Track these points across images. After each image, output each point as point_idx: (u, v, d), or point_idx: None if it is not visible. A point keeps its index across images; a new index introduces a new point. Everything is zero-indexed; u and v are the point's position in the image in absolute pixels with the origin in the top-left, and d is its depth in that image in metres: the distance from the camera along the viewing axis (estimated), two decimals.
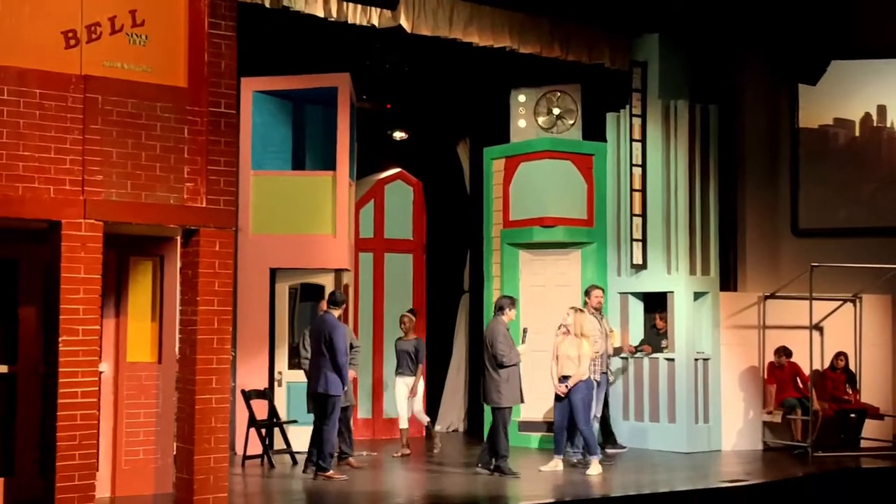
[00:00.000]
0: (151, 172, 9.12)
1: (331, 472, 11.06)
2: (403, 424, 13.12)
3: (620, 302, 13.85)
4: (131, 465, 9.84)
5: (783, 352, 13.46)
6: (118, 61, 9.09)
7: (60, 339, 8.63)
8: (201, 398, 9.22)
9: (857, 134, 15.00)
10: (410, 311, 13.53)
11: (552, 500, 10.25)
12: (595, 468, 11.50)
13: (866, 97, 14.91)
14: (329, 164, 13.30)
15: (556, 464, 11.75)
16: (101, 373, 9.33)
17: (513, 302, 11.85)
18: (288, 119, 13.93)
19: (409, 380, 13.02)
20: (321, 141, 13.93)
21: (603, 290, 12.95)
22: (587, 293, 12.82)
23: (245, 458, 12.03)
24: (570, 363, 11.62)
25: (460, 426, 15.72)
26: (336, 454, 11.41)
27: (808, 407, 13.06)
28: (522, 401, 11.67)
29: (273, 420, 12.34)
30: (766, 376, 13.65)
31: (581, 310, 12.03)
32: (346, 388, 11.20)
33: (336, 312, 11.27)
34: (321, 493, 10.49)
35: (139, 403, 9.92)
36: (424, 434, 14.10)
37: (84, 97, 8.86)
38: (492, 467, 11.39)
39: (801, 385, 13.47)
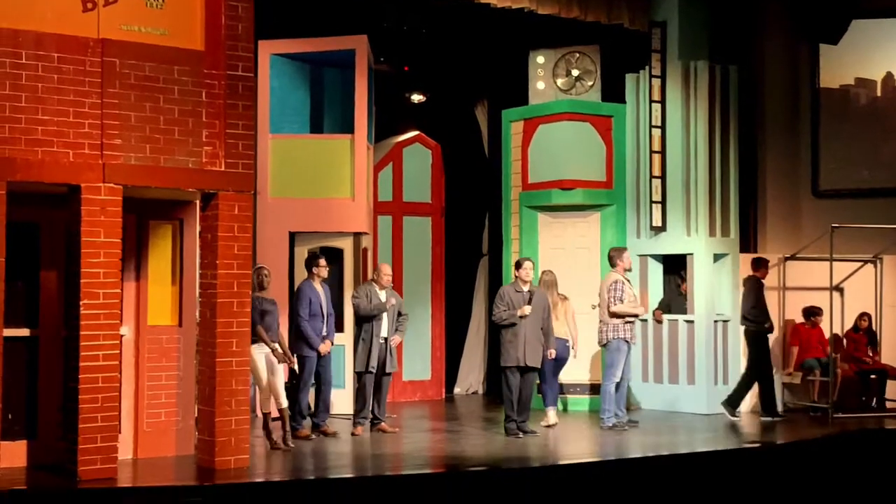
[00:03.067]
0: (170, 136, 9.15)
1: (300, 430, 11.31)
2: (268, 408, 10.78)
3: (640, 264, 13.81)
4: (153, 427, 9.91)
5: (816, 312, 13.37)
6: (135, 24, 9.09)
7: (82, 302, 8.70)
8: (222, 361, 9.29)
9: (879, 94, 14.88)
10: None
11: (573, 462, 10.30)
12: (549, 418, 12.10)
13: (888, 56, 14.77)
14: (347, 127, 13.28)
15: (552, 416, 12.18)
16: (122, 336, 9.39)
17: (521, 262, 11.82)
18: (306, 82, 13.90)
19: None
20: (339, 104, 13.90)
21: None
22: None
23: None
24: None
25: (479, 388, 15.76)
26: (309, 414, 11.62)
27: (830, 368, 13.02)
28: (524, 363, 11.49)
29: (293, 382, 12.38)
30: (789, 338, 13.60)
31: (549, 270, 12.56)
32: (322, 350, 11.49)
33: (313, 277, 11.64)
34: (341, 454, 10.55)
35: (160, 366, 9.97)
36: (271, 422, 10.78)
37: (102, 61, 8.87)
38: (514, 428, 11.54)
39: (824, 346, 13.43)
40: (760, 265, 13.15)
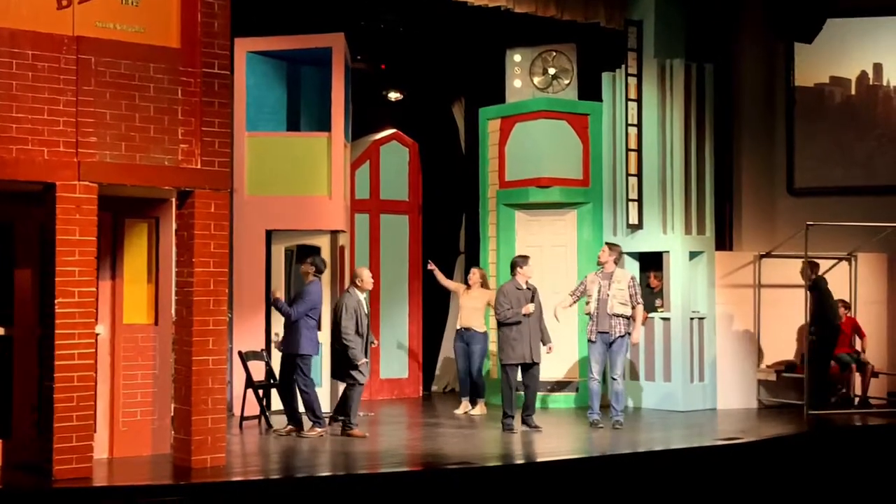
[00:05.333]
0: (145, 134, 9.11)
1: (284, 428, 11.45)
2: None
3: None
4: (129, 426, 9.86)
5: (841, 304, 13.46)
6: (110, 22, 9.06)
7: (57, 301, 8.65)
8: (198, 360, 9.26)
9: (853, 92, 14.98)
10: None
11: (546, 459, 10.31)
12: (479, 409, 13.09)
13: (862, 55, 14.88)
14: (324, 125, 13.26)
15: (465, 405, 13.19)
16: (97, 335, 9.35)
17: (524, 260, 11.96)
18: (282, 80, 13.87)
19: None
20: (316, 102, 13.88)
21: (611, 247, 12.24)
22: None
23: (242, 418, 12.08)
24: (470, 314, 13.20)
25: (456, 386, 15.74)
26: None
27: (863, 363, 13.36)
28: (530, 359, 11.68)
29: (270, 381, 12.37)
30: None
31: (479, 267, 13.66)
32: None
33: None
34: (318, 452, 10.54)
35: (136, 365, 9.92)
36: None
37: (77, 58, 8.83)
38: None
39: (857, 339, 13.57)
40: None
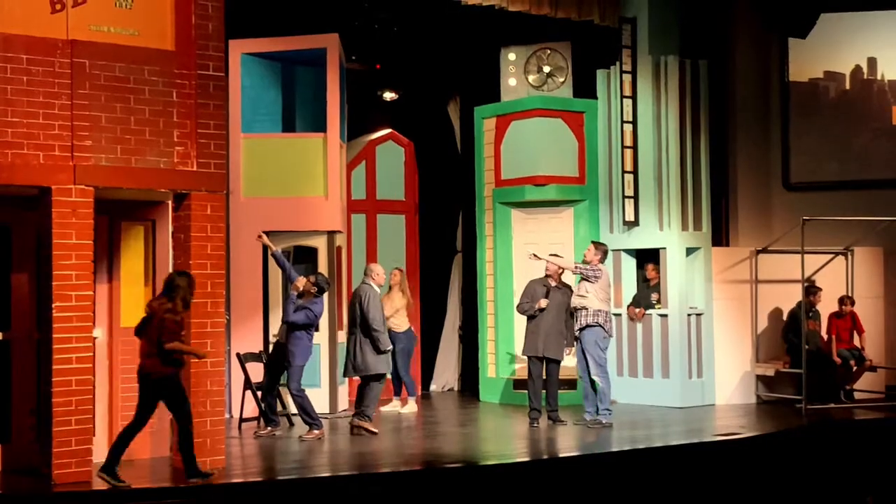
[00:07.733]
0: (141, 136, 9.12)
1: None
2: None
3: (613, 259, 13.86)
4: None
5: (848, 301, 13.48)
6: (104, 25, 9.07)
7: (54, 305, 8.66)
8: (196, 362, 9.25)
9: (848, 86, 14.99)
10: None
11: (547, 457, 10.33)
12: (409, 407, 13.18)
13: (856, 49, 14.89)
14: (320, 125, 13.26)
15: (395, 404, 13.35)
16: (95, 338, 9.34)
17: (551, 255, 12.17)
18: (277, 81, 13.87)
19: None
20: (311, 102, 13.88)
21: (597, 246, 12.20)
22: None
23: (241, 420, 12.08)
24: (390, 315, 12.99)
25: (455, 385, 15.77)
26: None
27: (862, 357, 13.38)
28: (542, 353, 11.82)
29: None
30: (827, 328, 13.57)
31: (400, 269, 13.50)
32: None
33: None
34: (317, 453, 10.54)
35: (134, 368, 9.88)
36: None
37: (71, 62, 8.84)
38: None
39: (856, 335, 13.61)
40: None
